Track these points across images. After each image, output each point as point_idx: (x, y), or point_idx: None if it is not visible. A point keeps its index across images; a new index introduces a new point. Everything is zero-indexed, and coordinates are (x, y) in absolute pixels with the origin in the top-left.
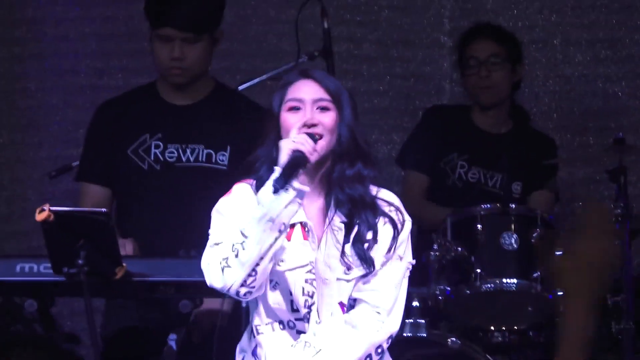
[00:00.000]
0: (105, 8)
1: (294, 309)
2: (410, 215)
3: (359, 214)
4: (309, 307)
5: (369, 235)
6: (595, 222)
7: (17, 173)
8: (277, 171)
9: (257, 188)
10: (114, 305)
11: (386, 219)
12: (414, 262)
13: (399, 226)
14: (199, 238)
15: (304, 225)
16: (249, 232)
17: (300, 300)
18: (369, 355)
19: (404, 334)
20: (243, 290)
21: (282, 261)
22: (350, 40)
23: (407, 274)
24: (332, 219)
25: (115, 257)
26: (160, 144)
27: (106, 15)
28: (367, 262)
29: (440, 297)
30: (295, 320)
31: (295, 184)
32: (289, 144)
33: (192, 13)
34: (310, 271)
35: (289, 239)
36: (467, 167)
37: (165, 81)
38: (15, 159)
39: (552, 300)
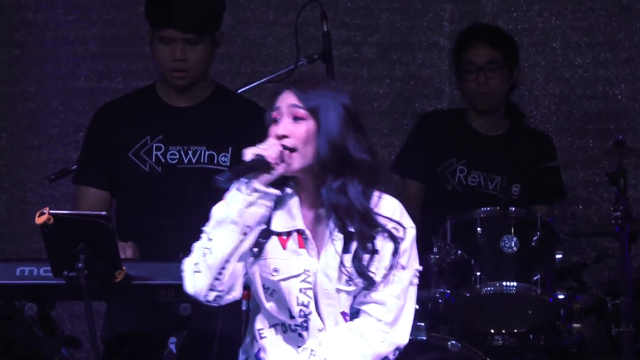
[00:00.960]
0: (105, 11)
1: (292, 316)
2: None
3: (350, 227)
4: (305, 316)
5: (368, 248)
6: None
7: (17, 176)
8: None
9: None
10: (115, 308)
11: (385, 233)
12: (420, 268)
13: (400, 237)
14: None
15: (300, 233)
16: (213, 235)
17: (295, 309)
18: None
19: None
20: (212, 295)
21: (276, 271)
22: (349, 43)
23: (415, 281)
24: (332, 229)
25: (115, 261)
26: (162, 146)
27: (106, 18)
28: (366, 277)
29: (440, 300)
30: (295, 326)
31: (257, 184)
32: (254, 149)
33: (194, 14)
34: (304, 280)
35: (284, 247)
36: (467, 171)
37: (165, 84)
38: (15, 162)
39: (552, 304)
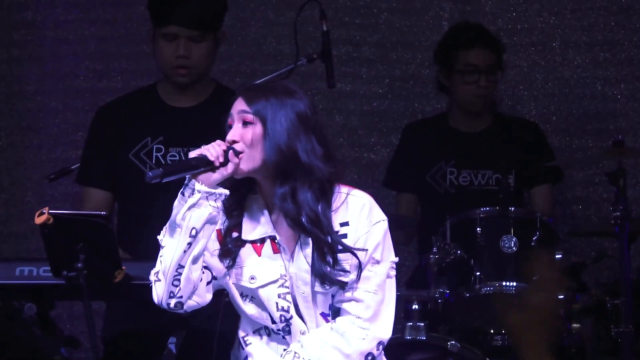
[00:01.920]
0: (104, 10)
1: (274, 321)
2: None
3: (303, 232)
4: (287, 321)
5: (326, 253)
6: (545, 273)
7: (17, 175)
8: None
9: (225, 206)
10: (114, 308)
11: (345, 233)
12: (396, 259)
13: (364, 236)
14: None
15: (272, 239)
16: (164, 242)
17: (275, 315)
18: None
19: (404, 337)
20: (173, 302)
21: (253, 278)
22: (349, 42)
23: (393, 273)
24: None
25: (114, 260)
26: (162, 147)
27: (105, 18)
28: (331, 282)
29: (439, 300)
30: (278, 330)
31: (197, 185)
32: (197, 150)
33: (198, 11)
34: (282, 285)
35: (259, 254)
36: (457, 171)
37: (167, 82)
38: (14, 162)
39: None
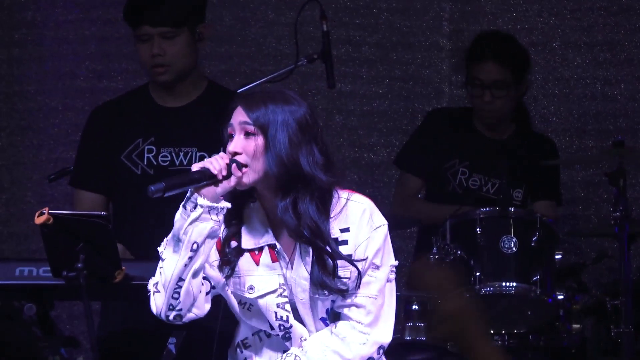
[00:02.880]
0: (104, 10)
1: (273, 328)
2: (401, 216)
3: (304, 242)
4: (286, 330)
5: (327, 262)
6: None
7: (17, 175)
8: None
9: (225, 214)
10: (110, 306)
11: (345, 240)
12: (396, 263)
13: (364, 242)
14: None
15: (272, 247)
16: (164, 254)
17: (274, 324)
18: None
19: (404, 338)
20: (172, 315)
21: (252, 288)
22: (349, 42)
23: (392, 276)
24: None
25: (114, 261)
26: (153, 148)
27: (106, 18)
28: (330, 290)
29: (439, 301)
30: (276, 336)
31: (200, 199)
32: (200, 162)
33: (167, 8)
34: (281, 295)
35: (257, 263)
36: (468, 173)
37: (154, 83)
38: (14, 162)
39: (551, 304)
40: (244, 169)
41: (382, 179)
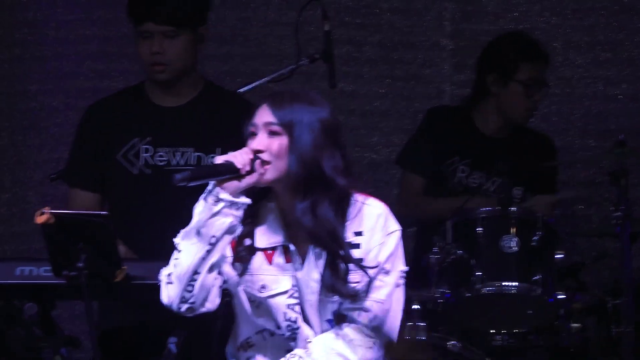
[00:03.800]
0: (106, 10)
1: (279, 327)
2: (406, 215)
3: (320, 246)
4: (293, 330)
5: (339, 265)
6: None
7: (18, 175)
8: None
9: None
10: (107, 306)
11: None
12: (406, 269)
13: (377, 247)
14: None
15: (285, 247)
16: (181, 246)
17: (282, 324)
18: None
19: (404, 337)
20: (184, 307)
21: (264, 287)
22: (350, 42)
23: (401, 282)
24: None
25: (115, 260)
26: (150, 148)
27: (107, 18)
28: (341, 294)
29: (440, 300)
30: (281, 335)
31: (222, 194)
32: (224, 156)
33: (172, 7)
34: (291, 296)
35: (270, 262)
36: (469, 171)
37: (152, 81)
38: (16, 161)
39: (552, 304)
40: (266, 166)
41: (384, 178)
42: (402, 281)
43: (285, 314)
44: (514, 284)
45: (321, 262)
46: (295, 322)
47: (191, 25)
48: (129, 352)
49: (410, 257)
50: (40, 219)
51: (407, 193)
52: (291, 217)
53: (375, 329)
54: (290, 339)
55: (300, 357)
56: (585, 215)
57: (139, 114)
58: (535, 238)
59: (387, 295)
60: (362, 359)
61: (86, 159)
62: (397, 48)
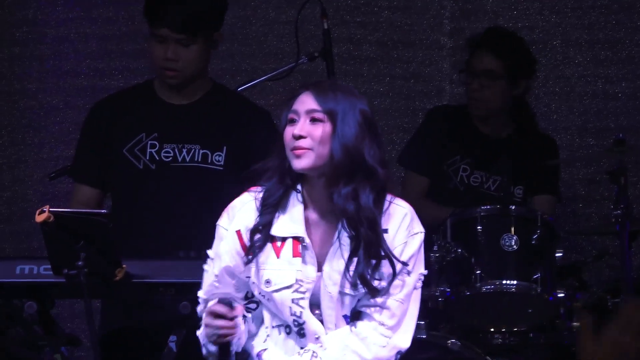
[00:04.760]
0: (106, 9)
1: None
2: None
3: (357, 232)
4: (299, 325)
5: (373, 256)
6: (631, 318)
7: (18, 174)
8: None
9: (264, 200)
10: (110, 305)
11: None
12: (425, 272)
13: (400, 246)
14: (195, 239)
15: (300, 240)
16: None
17: (288, 319)
18: None
19: None
20: None
21: (268, 282)
22: (350, 41)
23: (419, 284)
24: (341, 233)
25: (115, 259)
26: (156, 143)
27: (107, 16)
28: (368, 286)
29: (440, 299)
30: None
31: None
32: (207, 337)
33: (188, 15)
34: (297, 290)
35: (278, 255)
36: (470, 170)
37: (162, 81)
38: (15, 160)
39: (552, 302)
40: (308, 152)
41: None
42: (420, 284)
43: (290, 308)
44: (513, 282)
45: (347, 254)
46: (300, 316)
47: (206, 33)
48: (129, 350)
49: None
50: (40, 218)
51: (410, 194)
52: (320, 205)
53: (392, 328)
54: (300, 335)
55: (314, 352)
56: (585, 214)
57: (147, 110)
58: (535, 236)
59: (406, 295)
60: (375, 357)
61: (90, 155)
62: (396, 46)
